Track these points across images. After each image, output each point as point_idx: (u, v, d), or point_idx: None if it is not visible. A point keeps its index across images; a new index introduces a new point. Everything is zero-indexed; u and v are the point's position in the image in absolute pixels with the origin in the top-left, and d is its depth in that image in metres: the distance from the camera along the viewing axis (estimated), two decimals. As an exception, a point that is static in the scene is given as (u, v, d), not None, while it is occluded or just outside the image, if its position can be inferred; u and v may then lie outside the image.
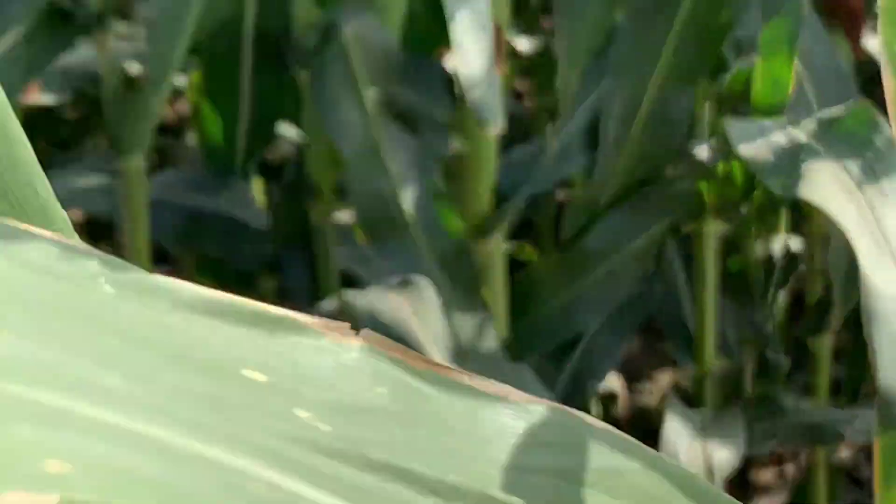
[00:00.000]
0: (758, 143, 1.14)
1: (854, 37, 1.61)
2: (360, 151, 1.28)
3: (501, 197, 1.46)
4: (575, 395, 1.59)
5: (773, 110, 1.31)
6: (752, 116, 1.32)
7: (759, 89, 1.31)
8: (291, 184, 1.46)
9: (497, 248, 1.45)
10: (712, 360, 1.65)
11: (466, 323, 1.34)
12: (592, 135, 1.46)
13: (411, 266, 1.31)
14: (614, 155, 1.44)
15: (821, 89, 1.48)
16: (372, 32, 1.27)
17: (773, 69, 1.29)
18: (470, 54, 1.17)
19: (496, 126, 1.17)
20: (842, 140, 1.10)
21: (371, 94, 1.28)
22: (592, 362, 1.60)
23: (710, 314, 1.58)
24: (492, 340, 1.36)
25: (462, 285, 1.33)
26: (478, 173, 1.41)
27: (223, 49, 1.44)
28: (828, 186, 1.04)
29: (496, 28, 1.32)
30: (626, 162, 1.45)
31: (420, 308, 1.13)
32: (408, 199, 1.31)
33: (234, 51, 1.44)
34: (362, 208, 1.30)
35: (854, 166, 1.06)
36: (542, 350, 1.56)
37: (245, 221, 1.48)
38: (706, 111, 1.53)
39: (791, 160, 1.10)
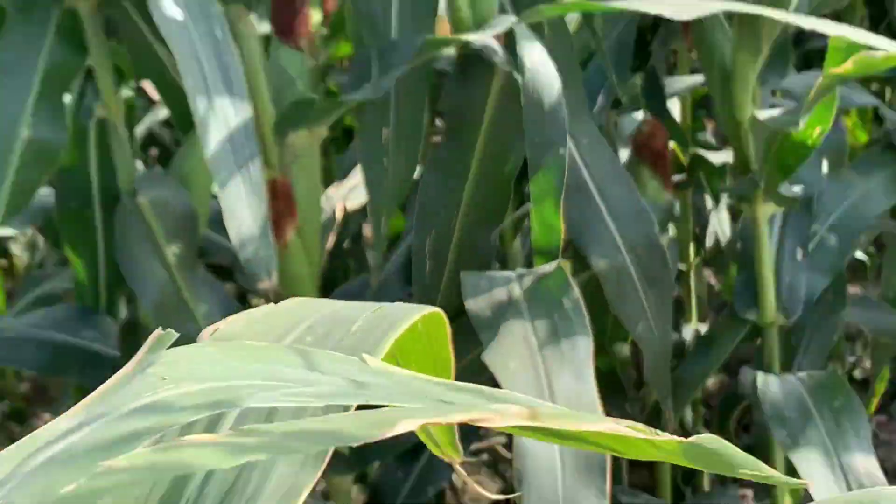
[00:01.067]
0: (480, 299, 1.09)
1: (663, 174, 1.57)
2: (161, 302, 1.25)
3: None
4: (419, 498, 1.55)
5: (550, 251, 1.27)
6: (536, 258, 1.28)
7: (536, 234, 1.27)
8: (130, 321, 1.42)
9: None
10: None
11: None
12: (407, 272, 1.43)
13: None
14: (430, 288, 1.40)
15: (620, 226, 1.44)
16: (171, 197, 1.24)
17: (544, 216, 1.26)
18: (240, 217, 1.14)
19: (268, 281, 1.13)
20: (541, 299, 1.06)
21: (173, 250, 1.25)
22: (433, 467, 1.55)
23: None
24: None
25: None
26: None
27: (75, 203, 1.43)
28: (514, 349, 0.99)
29: (284, 187, 1.29)
30: (444, 290, 1.41)
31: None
32: (216, 341, 1.27)
33: (85, 204, 1.43)
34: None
35: (543, 327, 1.01)
36: (385, 459, 1.52)
37: (106, 353, 1.45)
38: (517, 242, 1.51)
39: (498, 318, 1.05)
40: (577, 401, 0.94)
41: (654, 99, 1.63)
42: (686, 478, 2.20)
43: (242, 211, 1.15)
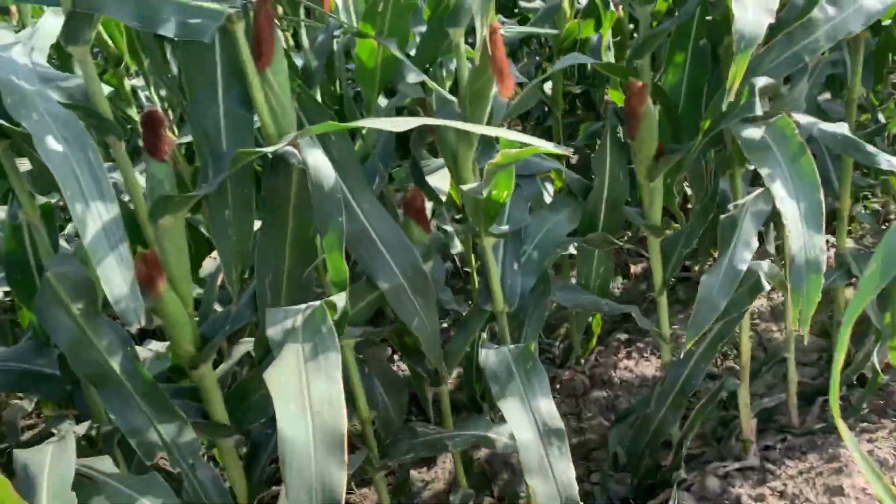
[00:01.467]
0: (276, 327, 1.00)
1: (423, 223, 1.51)
2: (72, 341, 1.12)
3: (208, 339, 1.32)
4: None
5: (340, 283, 1.19)
6: (332, 289, 1.20)
7: (331, 273, 1.20)
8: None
9: (208, 371, 1.31)
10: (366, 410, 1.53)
11: (169, 429, 1.19)
12: (255, 303, 1.33)
13: (125, 403, 1.16)
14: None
15: (394, 258, 1.37)
16: (72, 271, 1.11)
17: (334, 261, 1.20)
18: (113, 282, 1.02)
19: (137, 325, 1.01)
20: (310, 327, 0.98)
21: (77, 306, 1.12)
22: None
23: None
24: (189, 436, 1.20)
25: (159, 408, 1.18)
26: (179, 336, 1.27)
27: (20, 275, 1.29)
28: (287, 363, 0.90)
29: (152, 256, 1.17)
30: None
31: (58, 454, 0.97)
32: (116, 363, 1.16)
33: (28, 275, 1.30)
34: (86, 374, 1.14)
35: (308, 347, 0.93)
36: (253, 423, 1.41)
37: (52, 373, 1.33)
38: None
39: (283, 340, 0.96)
40: (327, 396, 0.87)
41: (417, 175, 1.57)
42: (482, 398, 2.15)
43: (116, 278, 1.04)
